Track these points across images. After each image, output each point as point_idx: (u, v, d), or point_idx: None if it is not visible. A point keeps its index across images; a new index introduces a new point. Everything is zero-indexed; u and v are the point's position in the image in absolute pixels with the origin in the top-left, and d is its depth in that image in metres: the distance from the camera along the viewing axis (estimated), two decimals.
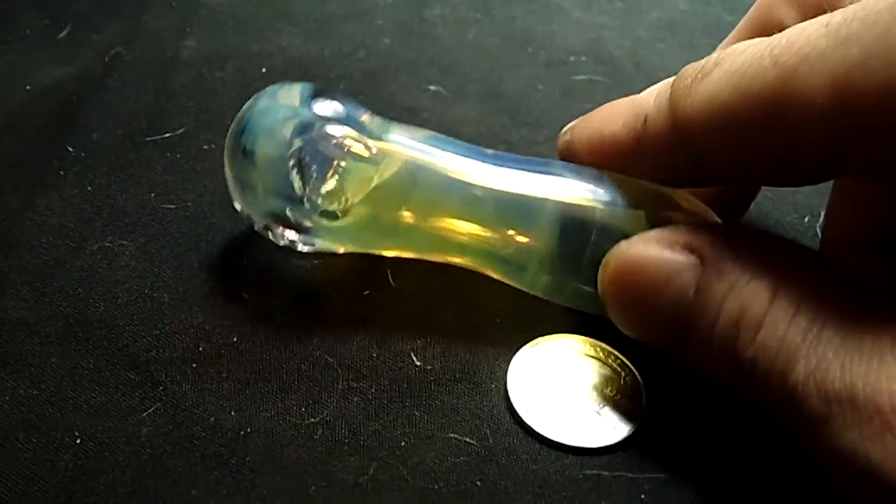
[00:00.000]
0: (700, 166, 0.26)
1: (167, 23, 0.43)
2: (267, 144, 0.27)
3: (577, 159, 0.29)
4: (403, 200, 0.28)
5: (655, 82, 0.28)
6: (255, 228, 0.29)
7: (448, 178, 0.28)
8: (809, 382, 0.21)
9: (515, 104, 0.39)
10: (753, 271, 0.23)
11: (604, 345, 0.29)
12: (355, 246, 0.29)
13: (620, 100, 0.29)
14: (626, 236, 0.26)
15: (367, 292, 0.30)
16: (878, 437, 0.20)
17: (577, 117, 0.32)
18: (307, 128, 0.27)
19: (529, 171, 0.28)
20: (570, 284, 0.28)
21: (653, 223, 0.27)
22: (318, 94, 0.28)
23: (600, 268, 0.26)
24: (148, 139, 0.36)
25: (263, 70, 0.39)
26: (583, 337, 0.29)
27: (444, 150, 0.28)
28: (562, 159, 0.30)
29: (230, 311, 0.29)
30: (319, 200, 0.27)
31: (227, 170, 0.29)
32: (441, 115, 0.38)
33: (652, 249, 0.25)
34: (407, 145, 0.28)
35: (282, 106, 0.28)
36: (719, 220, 0.28)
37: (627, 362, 0.28)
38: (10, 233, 0.31)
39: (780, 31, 0.23)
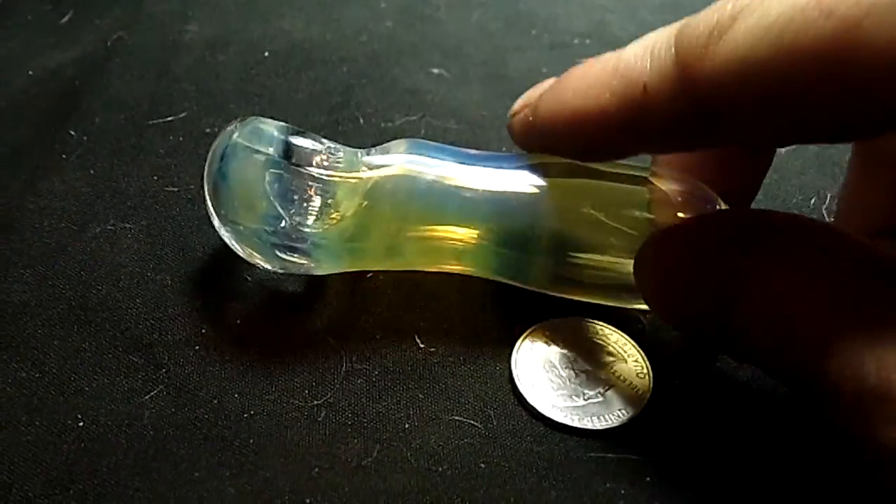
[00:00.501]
0: (714, 133, 0.23)
1: (169, 7, 0.42)
2: (244, 180, 0.27)
3: (548, 141, 0.27)
4: (390, 217, 0.27)
5: None
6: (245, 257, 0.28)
7: (428, 186, 0.27)
8: (845, 374, 0.20)
9: (519, 87, 0.38)
10: (788, 255, 0.22)
11: (609, 327, 0.28)
12: (346, 265, 0.28)
13: (590, 63, 0.26)
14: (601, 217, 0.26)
15: (370, 275, 0.30)
16: None
17: None
18: (279, 163, 0.27)
19: (508, 168, 0.28)
20: (554, 272, 0.28)
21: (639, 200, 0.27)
22: (291, 132, 0.28)
23: (635, 261, 0.26)
24: (150, 123, 0.35)
25: (266, 54, 0.39)
26: (587, 319, 0.29)
27: (420, 156, 0.28)
28: (518, 142, 0.28)
29: (232, 294, 0.29)
30: (305, 228, 0.27)
31: (209, 203, 0.28)
32: (444, 98, 0.37)
33: (681, 237, 0.24)
34: (383, 163, 0.27)
35: (254, 146, 0.27)
36: (712, 193, 0.27)
37: (633, 344, 0.28)
38: (13, 216, 0.31)
39: None
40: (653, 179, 0.27)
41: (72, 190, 0.32)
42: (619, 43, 0.41)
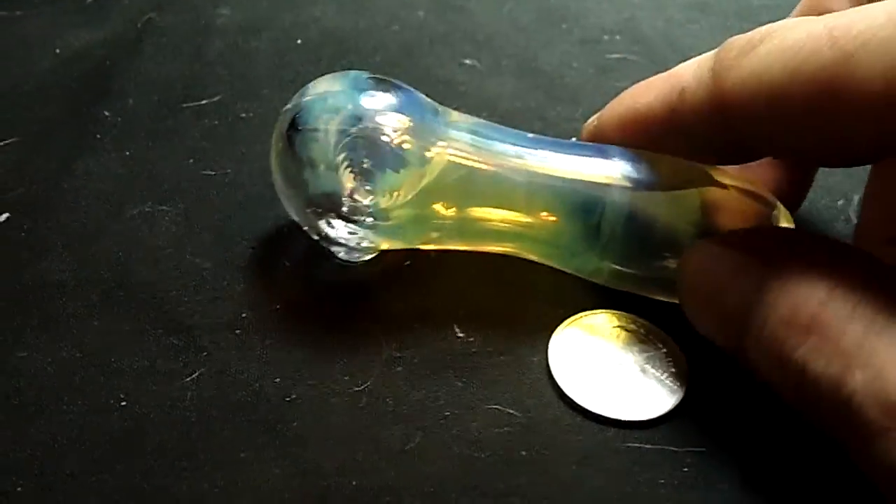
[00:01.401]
0: (739, 142, 0.25)
1: None
2: (320, 133, 0.27)
3: (607, 139, 0.29)
4: (451, 196, 0.27)
5: None
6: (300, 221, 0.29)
7: (493, 171, 0.27)
8: (868, 392, 0.20)
9: (550, 80, 0.38)
10: (808, 270, 0.22)
11: (643, 320, 0.29)
12: (397, 242, 0.29)
13: (654, 77, 0.28)
14: (660, 216, 0.27)
15: (408, 262, 0.30)
16: None
17: (612, 95, 0.32)
18: (359, 119, 0.27)
19: (572, 154, 0.28)
20: (606, 266, 0.28)
21: (699, 203, 0.27)
22: (374, 84, 0.28)
23: (677, 270, 0.27)
24: (184, 106, 0.35)
25: (298, 41, 0.39)
26: (623, 312, 0.29)
27: (488, 139, 0.28)
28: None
29: (272, 278, 0.29)
30: (368, 199, 0.27)
31: (274, 155, 0.28)
32: (477, 90, 0.37)
33: (723, 251, 0.25)
34: (455, 139, 0.28)
35: (339, 93, 0.27)
36: (773, 198, 0.28)
37: (669, 337, 0.28)
38: (49, 196, 0.31)
39: None
40: (719, 179, 0.28)
41: (107, 171, 0.32)
42: (647, 40, 0.42)
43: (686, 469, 0.25)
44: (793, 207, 0.30)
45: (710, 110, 0.25)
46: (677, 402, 0.27)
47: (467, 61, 0.39)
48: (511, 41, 0.40)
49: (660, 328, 0.28)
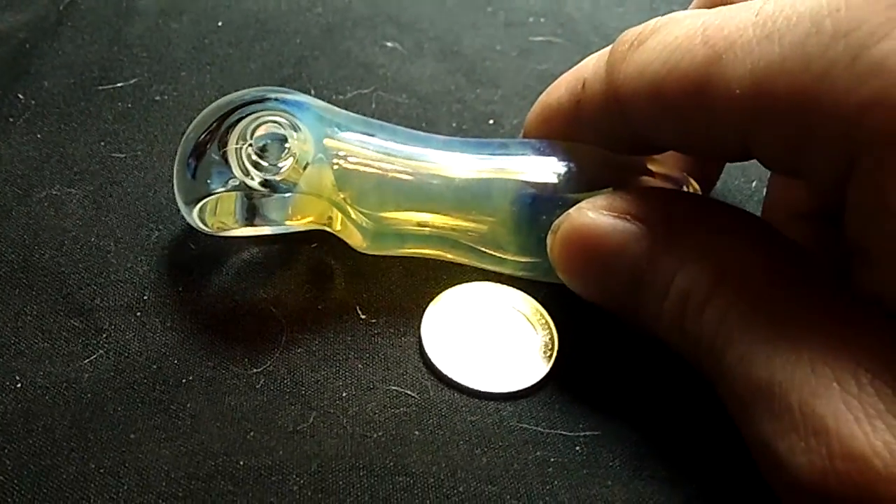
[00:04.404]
0: (636, 134, 0.26)
1: None
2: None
3: (530, 134, 0.30)
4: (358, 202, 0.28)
5: None
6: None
7: (404, 175, 0.28)
8: (737, 368, 0.22)
9: (472, 63, 0.39)
10: (701, 250, 0.23)
11: (521, 293, 0.29)
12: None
13: (570, 69, 0.29)
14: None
15: (314, 244, 0.30)
16: (786, 435, 0.20)
17: (534, 78, 0.33)
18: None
19: (486, 153, 0.28)
20: (541, 263, 0.28)
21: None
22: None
23: (549, 234, 0.27)
24: (100, 88, 0.35)
25: (219, 23, 0.39)
26: (493, 284, 0.29)
27: (390, 141, 0.28)
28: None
29: (177, 260, 0.29)
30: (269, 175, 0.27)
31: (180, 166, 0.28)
32: (397, 72, 0.37)
33: (602, 219, 0.25)
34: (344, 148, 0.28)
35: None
36: (696, 185, 0.28)
37: (538, 305, 0.29)
38: None
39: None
40: (650, 167, 0.28)
41: (18, 154, 0.32)
42: (572, 22, 0.42)
43: (577, 448, 0.25)
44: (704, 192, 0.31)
45: (605, 103, 0.26)
46: (547, 372, 0.27)
47: (389, 44, 0.39)
48: (435, 24, 0.40)
49: (528, 297, 0.29)
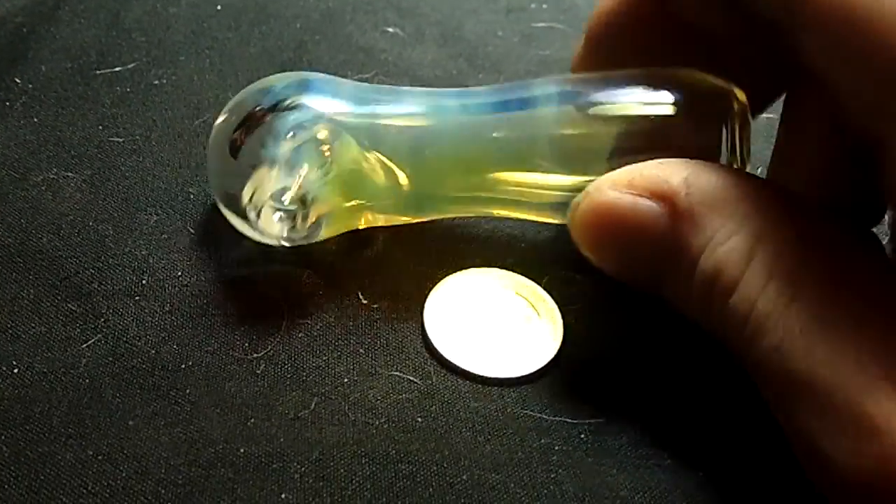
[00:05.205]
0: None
1: None
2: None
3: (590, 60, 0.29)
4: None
5: None
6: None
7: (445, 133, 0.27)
8: (773, 357, 0.20)
9: (474, 49, 0.38)
10: (730, 227, 0.22)
11: (525, 279, 0.29)
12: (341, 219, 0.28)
13: None
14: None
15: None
16: (833, 435, 0.19)
17: (535, 64, 0.32)
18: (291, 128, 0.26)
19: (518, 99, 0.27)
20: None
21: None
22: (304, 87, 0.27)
23: (570, 209, 0.25)
24: (98, 72, 0.35)
25: (218, 7, 0.38)
26: (496, 270, 0.29)
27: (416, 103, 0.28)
28: None
29: (175, 245, 0.29)
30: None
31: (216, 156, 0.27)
32: (398, 57, 0.37)
33: (623, 198, 0.24)
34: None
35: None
36: (742, 96, 0.26)
37: (545, 291, 0.29)
38: None
39: None
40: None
41: (15, 137, 0.32)
42: (574, 8, 0.41)
43: (582, 435, 0.25)
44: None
45: None
46: (552, 358, 0.27)
47: (390, 29, 0.38)
48: (436, 9, 0.40)
49: (534, 283, 0.29)
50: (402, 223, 0.29)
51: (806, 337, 0.20)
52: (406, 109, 0.27)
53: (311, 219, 0.27)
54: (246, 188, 0.26)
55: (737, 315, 0.21)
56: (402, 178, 0.27)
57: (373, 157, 0.27)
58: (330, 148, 0.26)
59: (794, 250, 0.21)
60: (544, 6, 0.41)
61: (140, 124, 0.33)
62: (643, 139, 0.26)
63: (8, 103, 0.33)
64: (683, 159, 0.24)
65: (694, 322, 0.24)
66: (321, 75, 0.28)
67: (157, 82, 0.35)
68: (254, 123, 0.26)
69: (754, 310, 0.21)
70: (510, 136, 0.27)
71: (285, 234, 0.27)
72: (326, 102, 0.27)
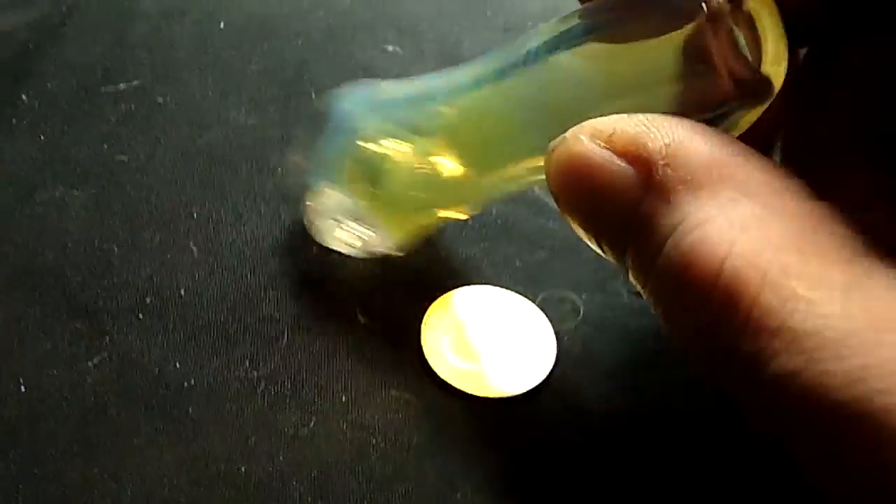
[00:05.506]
0: None
1: None
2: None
3: None
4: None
5: None
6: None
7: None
8: (785, 384, 0.17)
9: None
10: (708, 211, 0.18)
11: (520, 297, 0.30)
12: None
13: None
14: None
15: (315, 250, 0.30)
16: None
17: None
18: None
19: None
20: None
21: None
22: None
23: (547, 154, 0.22)
24: (103, 90, 0.35)
25: (221, 25, 0.39)
26: (492, 287, 0.30)
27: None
28: None
29: (178, 263, 0.29)
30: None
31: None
32: (397, 75, 0.37)
33: (596, 152, 0.20)
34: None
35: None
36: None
37: (538, 309, 0.29)
38: None
39: None
40: None
41: (21, 155, 0.32)
42: None
43: (578, 454, 0.26)
44: None
45: None
46: (545, 377, 0.27)
47: (389, 47, 0.39)
48: (434, 27, 0.40)
49: (526, 299, 0.29)
50: (466, 215, 0.29)
51: (834, 353, 0.16)
52: (443, 99, 0.26)
53: (375, 230, 0.28)
54: (313, 203, 0.28)
55: (716, 314, 0.18)
56: (457, 169, 0.26)
57: (424, 156, 0.27)
58: (380, 158, 0.27)
59: (782, 240, 0.18)
60: (540, 24, 0.42)
61: (144, 142, 0.33)
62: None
63: (14, 121, 0.34)
64: (676, 118, 0.20)
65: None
66: (359, 87, 0.29)
67: (160, 101, 0.35)
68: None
69: (742, 311, 0.17)
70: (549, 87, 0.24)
71: (357, 245, 0.28)
72: (366, 115, 0.28)
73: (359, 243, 0.29)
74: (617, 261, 0.21)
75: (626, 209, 0.20)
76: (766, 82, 0.21)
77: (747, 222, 0.18)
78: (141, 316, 0.28)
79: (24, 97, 0.35)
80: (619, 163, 0.20)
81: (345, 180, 0.27)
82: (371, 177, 0.27)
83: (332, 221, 0.28)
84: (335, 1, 0.41)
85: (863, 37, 0.23)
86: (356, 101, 0.28)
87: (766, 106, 0.21)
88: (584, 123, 0.21)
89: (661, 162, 0.19)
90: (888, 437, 0.15)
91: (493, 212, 0.32)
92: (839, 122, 0.23)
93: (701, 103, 0.21)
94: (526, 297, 0.29)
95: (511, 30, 0.41)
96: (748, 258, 0.17)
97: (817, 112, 0.24)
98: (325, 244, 0.29)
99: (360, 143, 0.27)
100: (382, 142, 0.27)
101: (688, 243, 0.18)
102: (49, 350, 0.27)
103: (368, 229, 0.28)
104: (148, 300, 0.28)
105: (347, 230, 0.28)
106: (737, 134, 0.22)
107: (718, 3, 0.21)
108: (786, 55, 0.21)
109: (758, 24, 0.21)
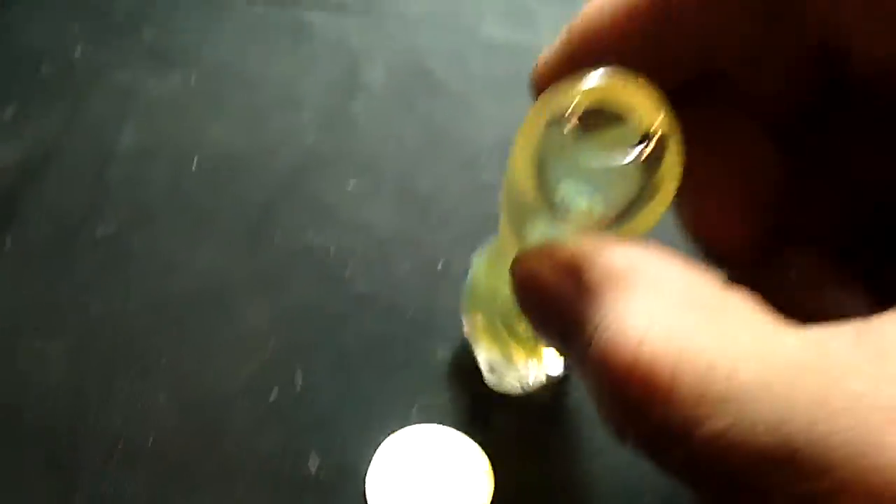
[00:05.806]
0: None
1: (106, 111, 0.44)
2: None
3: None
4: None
5: None
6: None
7: None
8: (713, 450, 0.17)
9: (426, 204, 0.41)
10: (625, 306, 0.20)
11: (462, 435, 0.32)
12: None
13: None
14: None
15: (272, 399, 0.33)
16: None
17: (482, 219, 0.35)
18: None
19: None
20: None
21: None
22: None
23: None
24: (80, 237, 0.38)
25: (193, 167, 0.41)
26: (432, 427, 0.33)
27: None
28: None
29: (148, 412, 0.32)
30: None
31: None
32: (355, 214, 0.40)
33: (543, 270, 0.23)
34: None
35: None
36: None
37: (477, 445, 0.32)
38: None
39: None
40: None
41: (4, 305, 0.35)
42: None
43: None
44: None
45: None
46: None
47: (351, 182, 0.41)
48: (393, 163, 0.43)
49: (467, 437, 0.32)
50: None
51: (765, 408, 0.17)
52: None
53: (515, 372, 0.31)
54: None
55: (643, 402, 0.19)
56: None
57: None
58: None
59: (695, 324, 0.19)
60: (493, 156, 0.44)
61: (117, 290, 0.36)
62: None
63: None
64: (601, 234, 0.22)
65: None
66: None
67: (135, 248, 0.38)
68: None
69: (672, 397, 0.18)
70: None
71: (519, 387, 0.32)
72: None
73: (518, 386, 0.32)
74: (565, 357, 0.26)
75: (565, 315, 0.22)
76: None
77: (660, 312, 0.20)
78: (111, 467, 0.31)
79: (7, 243, 0.38)
80: (558, 274, 0.22)
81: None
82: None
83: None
84: (300, 137, 0.44)
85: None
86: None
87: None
88: (531, 248, 0.23)
89: (588, 269, 0.21)
90: (815, 469, 0.16)
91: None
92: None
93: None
94: (469, 434, 0.32)
95: (465, 166, 0.43)
96: (661, 343, 0.19)
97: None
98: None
99: None
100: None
101: (606, 337, 0.20)
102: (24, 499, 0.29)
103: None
104: (119, 446, 0.31)
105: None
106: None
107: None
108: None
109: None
